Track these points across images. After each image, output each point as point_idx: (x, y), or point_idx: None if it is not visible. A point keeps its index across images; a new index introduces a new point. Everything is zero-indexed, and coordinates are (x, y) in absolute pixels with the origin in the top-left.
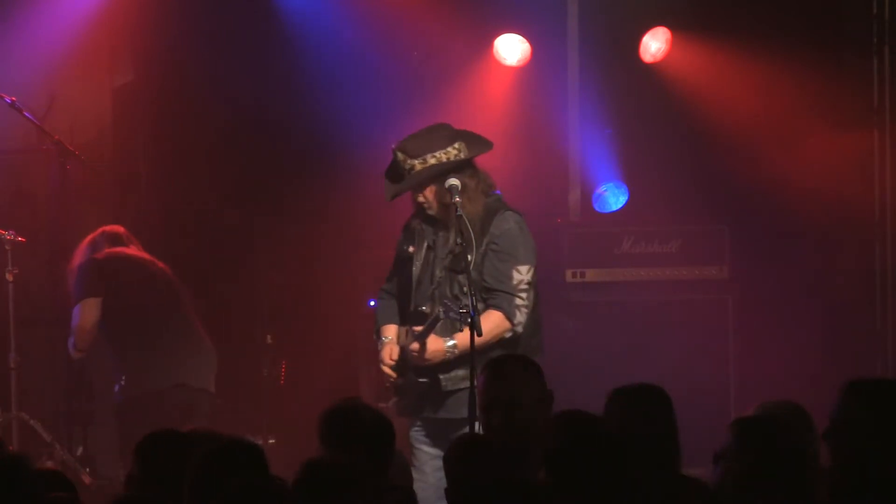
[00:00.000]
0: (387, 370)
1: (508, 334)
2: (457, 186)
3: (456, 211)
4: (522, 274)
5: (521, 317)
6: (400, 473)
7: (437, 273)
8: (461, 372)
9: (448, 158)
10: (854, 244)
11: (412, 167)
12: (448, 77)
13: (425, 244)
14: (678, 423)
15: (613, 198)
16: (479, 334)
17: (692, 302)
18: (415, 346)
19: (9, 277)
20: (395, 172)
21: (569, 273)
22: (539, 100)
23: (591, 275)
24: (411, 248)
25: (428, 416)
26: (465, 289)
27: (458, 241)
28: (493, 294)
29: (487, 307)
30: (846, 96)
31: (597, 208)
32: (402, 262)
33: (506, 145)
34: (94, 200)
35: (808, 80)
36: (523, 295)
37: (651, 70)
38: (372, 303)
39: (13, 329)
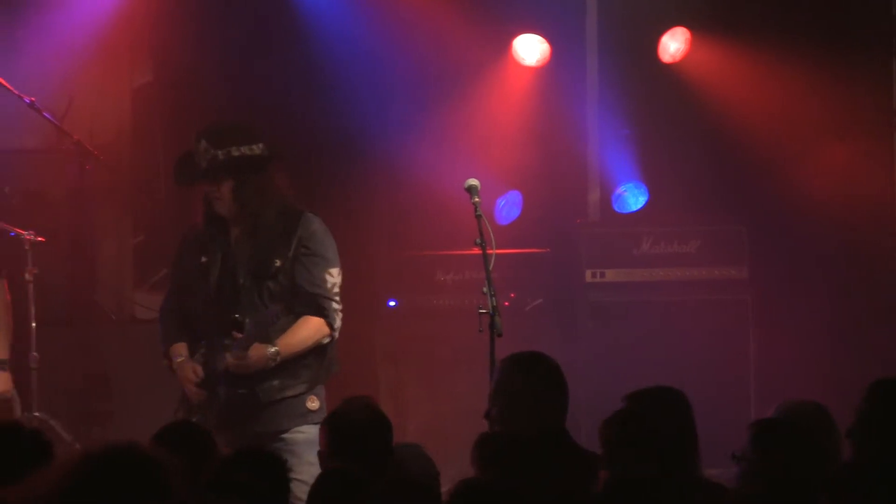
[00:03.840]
0: (193, 388)
1: (327, 340)
2: (476, 187)
3: (476, 211)
4: (334, 277)
5: (339, 321)
6: (422, 468)
7: (241, 279)
8: (276, 382)
9: (251, 154)
10: (873, 245)
11: (214, 157)
12: (467, 77)
13: (219, 252)
14: (697, 423)
15: (633, 198)
16: (500, 334)
17: (711, 302)
18: (237, 354)
19: (28, 277)
20: (191, 161)
21: (588, 273)
22: (558, 100)
23: (611, 275)
24: (204, 259)
25: (238, 430)
26: (267, 296)
27: (478, 241)
28: (309, 298)
29: (301, 312)
30: (865, 98)
31: (616, 209)
32: (192, 275)
33: (525, 146)
34: (112, 201)
35: (827, 81)
36: (338, 299)
37: (670, 70)
38: (392, 303)
39: (33, 329)
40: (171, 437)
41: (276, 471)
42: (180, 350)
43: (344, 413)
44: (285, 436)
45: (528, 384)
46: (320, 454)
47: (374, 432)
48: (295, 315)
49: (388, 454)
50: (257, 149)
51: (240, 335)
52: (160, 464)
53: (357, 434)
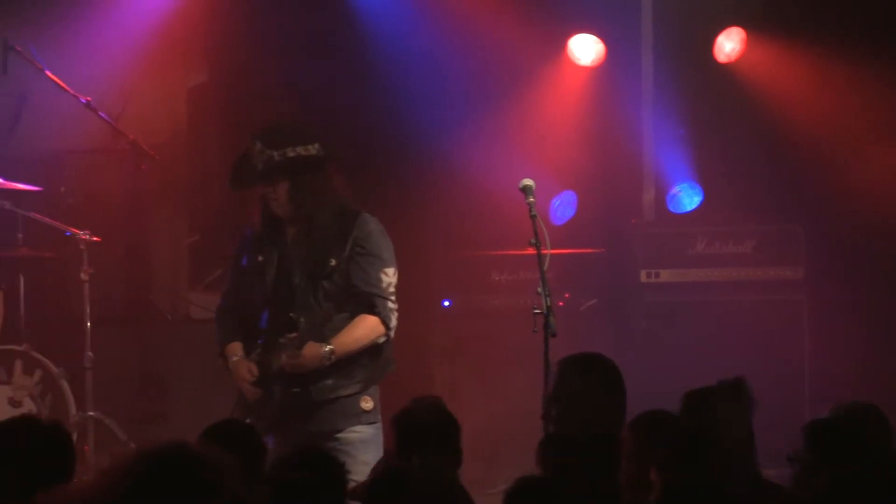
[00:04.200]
0: (249, 387)
1: (382, 339)
2: (531, 187)
3: (530, 212)
4: (390, 276)
5: (394, 321)
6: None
7: (297, 279)
8: (330, 382)
9: (307, 154)
10: None
11: (270, 158)
12: (522, 77)
13: (275, 252)
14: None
15: (688, 198)
16: (554, 335)
17: (767, 302)
18: (292, 353)
19: (84, 277)
20: (247, 163)
21: (643, 273)
22: (613, 100)
23: (666, 275)
24: (261, 258)
25: (292, 429)
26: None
27: (533, 241)
28: (364, 297)
29: (358, 312)
30: None
31: (671, 209)
32: (249, 275)
33: (579, 146)
34: (168, 200)
35: (884, 81)
36: (393, 298)
37: (725, 70)
38: (446, 303)
39: (88, 328)
40: (218, 436)
41: (332, 470)
42: (236, 349)
43: (412, 412)
44: (339, 435)
45: (588, 386)
46: (388, 452)
47: (443, 432)
48: (350, 314)
49: (457, 454)
50: (313, 149)
51: (294, 334)
52: (212, 463)
53: (425, 434)
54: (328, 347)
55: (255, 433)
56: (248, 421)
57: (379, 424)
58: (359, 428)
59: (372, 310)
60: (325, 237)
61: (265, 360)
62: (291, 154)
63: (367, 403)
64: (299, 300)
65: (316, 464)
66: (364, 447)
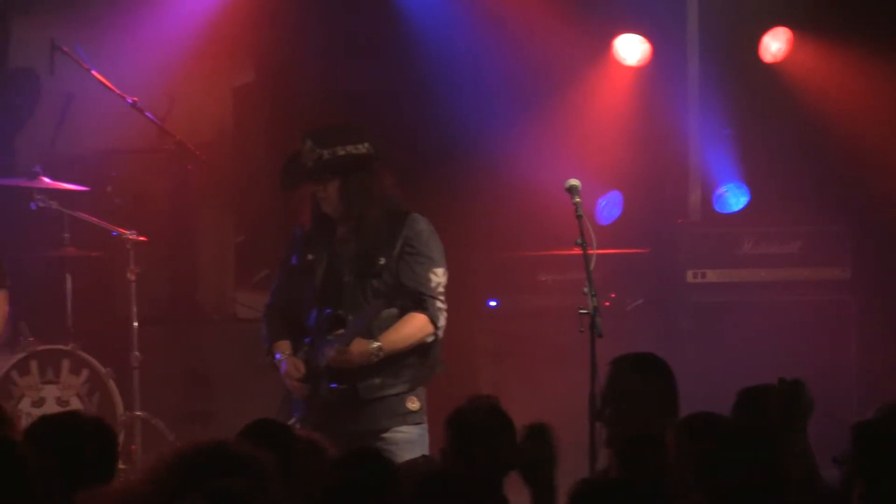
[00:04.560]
0: (297, 384)
1: (430, 339)
2: (577, 187)
3: (576, 212)
4: (439, 276)
5: (443, 320)
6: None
7: (346, 277)
8: (377, 380)
9: (358, 153)
10: None
11: (319, 157)
12: (567, 77)
13: (325, 250)
14: None
15: (734, 198)
16: (600, 335)
17: (813, 303)
18: (340, 349)
19: (130, 277)
20: (298, 162)
21: (689, 274)
22: (659, 100)
23: (712, 275)
24: (310, 257)
25: (338, 428)
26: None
27: (579, 241)
28: (413, 296)
29: (407, 310)
30: None
31: (717, 209)
32: (298, 273)
33: (625, 146)
34: (214, 200)
35: None
36: (442, 298)
37: (771, 70)
38: (492, 303)
39: (135, 328)
40: (253, 435)
41: (385, 471)
42: (283, 347)
43: (468, 412)
44: (385, 435)
45: (641, 386)
46: (442, 452)
47: (499, 434)
48: (399, 312)
49: (513, 456)
50: (363, 148)
51: (342, 331)
52: (250, 461)
53: (481, 435)
54: (376, 344)
55: (291, 432)
56: (293, 419)
57: (425, 425)
58: (404, 428)
59: (420, 309)
60: (375, 236)
61: (312, 357)
62: (342, 153)
63: (413, 404)
64: (348, 298)
65: (371, 464)
66: (409, 448)
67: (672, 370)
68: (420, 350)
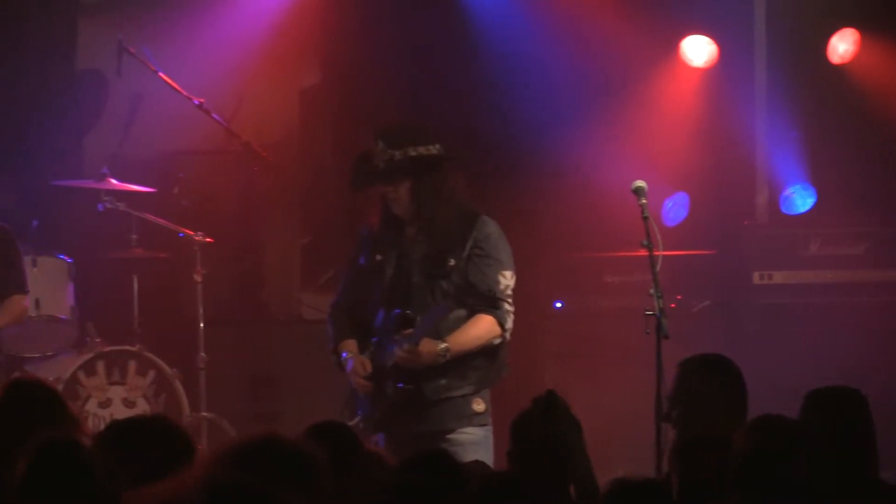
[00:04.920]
0: (363, 382)
1: (497, 340)
2: (643, 188)
3: (643, 213)
4: (507, 279)
5: (510, 323)
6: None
7: (415, 278)
8: (444, 381)
9: (429, 154)
10: None
11: (391, 157)
12: (635, 78)
13: (394, 251)
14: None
15: (801, 199)
16: (666, 336)
17: (880, 304)
18: (408, 348)
19: (197, 278)
20: (369, 163)
21: (756, 275)
22: (726, 101)
23: (779, 277)
24: (379, 257)
25: (402, 428)
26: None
27: (645, 242)
28: (481, 297)
29: (475, 311)
30: None
31: (784, 210)
32: (365, 274)
33: (692, 147)
34: (280, 202)
35: None
36: (510, 301)
37: (838, 71)
38: (558, 304)
39: (201, 329)
40: (317, 435)
41: (452, 472)
42: (350, 346)
43: (534, 414)
44: (450, 437)
45: (711, 387)
46: (508, 454)
47: (564, 438)
48: (467, 312)
49: (581, 458)
50: (434, 149)
51: (410, 331)
52: (301, 453)
53: (546, 439)
54: (444, 345)
55: (350, 431)
56: (357, 419)
57: (490, 427)
58: (470, 430)
59: (488, 310)
60: (445, 237)
61: (379, 357)
62: (413, 154)
63: (478, 405)
64: (416, 299)
65: (438, 466)
66: (474, 449)
67: (741, 372)
68: (487, 352)
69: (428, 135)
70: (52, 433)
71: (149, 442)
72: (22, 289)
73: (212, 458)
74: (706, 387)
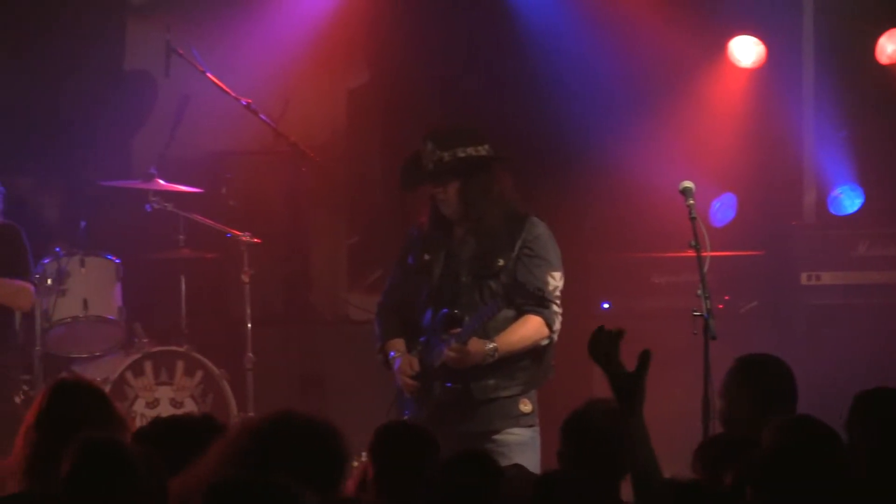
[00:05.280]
0: (410, 381)
1: (545, 342)
2: (691, 189)
3: (690, 214)
4: (556, 280)
5: (558, 324)
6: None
7: (463, 278)
8: (492, 382)
9: (478, 155)
10: None
11: (440, 158)
12: (682, 79)
13: (442, 251)
14: None
15: (849, 200)
16: (714, 337)
17: None
18: (456, 347)
19: (244, 279)
20: (418, 164)
21: (804, 276)
22: (774, 102)
23: (827, 278)
24: (427, 257)
25: (449, 427)
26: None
27: (692, 243)
28: (530, 299)
29: (523, 311)
30: None
31: (832, 211)
32: (413, 273)
33: (740, 148)
34: (327, 202)
35: None
36: (558, 302)
37: (887, 71)
38: (605, 305)
39: (248, 329)
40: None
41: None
42: (397, 345)
43: (585, 415)
44: (496, 437)
45: (760, 389)
46: (559, 454)
47: (616, 438)
48: (515, 312)
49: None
50: (483, 150)
51: (458, 330)
52: (319, 426)
53: (598, 439)
54: (492, 345)
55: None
56: (404, 418)
57: (537, 428)
58: (517, 430)
59: (537, 311)
60: (494, 238)
61: (427, 357)
62: (462, 155)
63: (525, 406)
64: (464, 299)
65: (477, 466)
66: (520, 450)
67: (792, 373)
68: (535, 353)
69: (477, 136)
70: (93, 433)
71: (193, 440)
72: (27, 279)
73: (239, 435)
74: (755, 387)
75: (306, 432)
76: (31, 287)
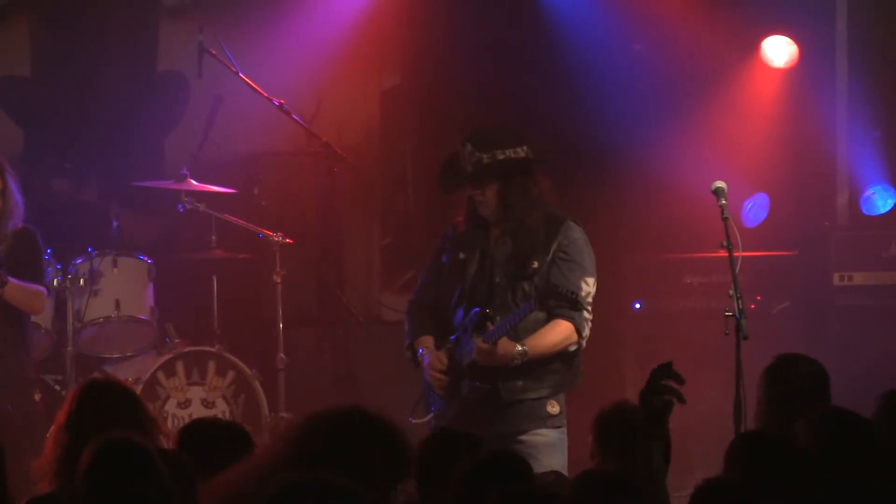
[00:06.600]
0: (439, 376)
1: (573, 347)
2: (723, 189)
3: (722, 214)
4: (590, 286)
5: (587, 331)
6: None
7: (497, 278)
8: (520, 383)
9: (517, 157)
10: None
11: (479, 160)
12: (715, 79)
13: (477, 250)
14: None
15: (882, 200)
16: (746, 337)
17: None
18: (485, 345)
19: (276, 279)
20: (457, 165)
21: (836, 276)
22: (806, 102)
23: (859, 278)
24: (462, 256)
25: (474, 429)
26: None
27: (724, 243)
28: (562, 303)
29: (554, 316)
30: None
31: (865, 211)
32: (447, 272)
33: (772, 148)
34: (360, 203)
35: None
36: (590, 308)
37: None
38: (637, 305)
39: (280, 330)
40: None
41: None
42: (427, 343)
43: (612, 415)
44: (523, 437)
45: (794, 388)
46: (592, 453)
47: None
48: (546, 315)
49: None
50: (522, 152)
51: (490, 329)
52: (387, 423)
53: (626, 437)
54: (521, 348)
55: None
56: (430, 416)
57: (564, 429)
58: (544, 431)
59: (568, 315)
60: (530, 239)
61: (456, 355)
62: (501, 157)
63: (553, 408)
64: (497, 299)
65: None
66: (548, 451)
67: (826, 373)
68: (564, 357)
69: (516, 137)
70: (110, 434)
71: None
72: (41, 283)
73: (293, 428)
74: (789, 387)
75: (375, 432)
76: (44, 291)
